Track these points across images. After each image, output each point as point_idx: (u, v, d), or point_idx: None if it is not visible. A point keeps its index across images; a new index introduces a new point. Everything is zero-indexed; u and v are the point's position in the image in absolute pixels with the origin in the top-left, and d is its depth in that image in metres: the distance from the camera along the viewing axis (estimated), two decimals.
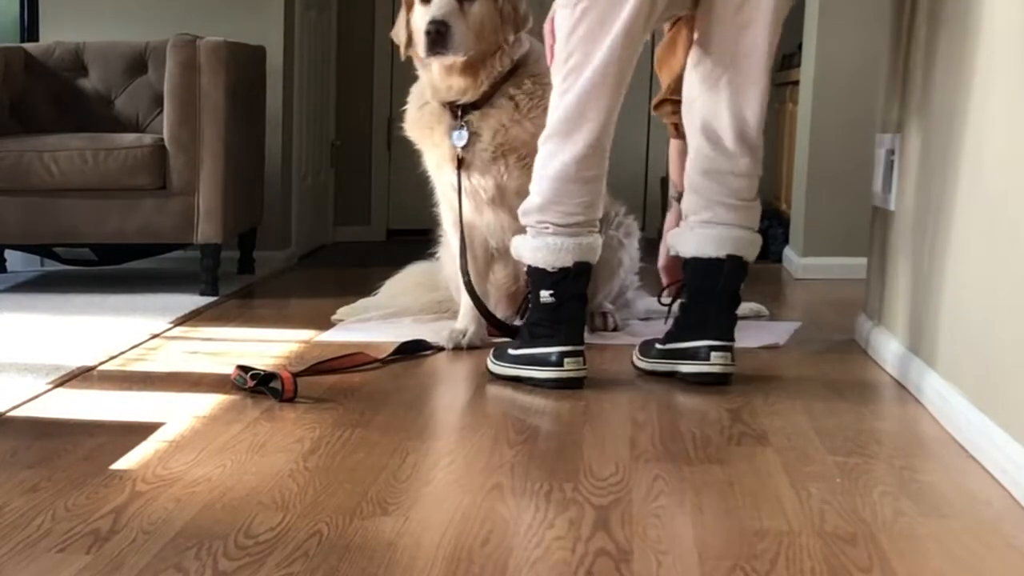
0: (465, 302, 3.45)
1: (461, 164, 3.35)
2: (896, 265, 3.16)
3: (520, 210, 2.97)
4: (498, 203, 3.38)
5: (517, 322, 3.52)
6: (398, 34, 3.41)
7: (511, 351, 2.98)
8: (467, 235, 3.42)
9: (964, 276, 2.52)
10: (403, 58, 3.44)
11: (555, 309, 2.91)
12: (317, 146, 5.88)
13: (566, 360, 2.89)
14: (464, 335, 3.38)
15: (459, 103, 3.33)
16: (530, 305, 2.99)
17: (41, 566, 1.71)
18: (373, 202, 6.50)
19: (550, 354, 2.89)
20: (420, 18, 3.27)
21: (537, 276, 2.92)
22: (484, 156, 3.34)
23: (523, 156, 3.32)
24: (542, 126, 3.32)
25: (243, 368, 2.84)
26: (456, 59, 3.24)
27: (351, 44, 6.26)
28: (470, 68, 3.29)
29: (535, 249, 2.91)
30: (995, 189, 2.34)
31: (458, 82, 3.31)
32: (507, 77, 3.33)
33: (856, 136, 4.64)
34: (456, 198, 3.41)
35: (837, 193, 4.77)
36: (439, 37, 3.19)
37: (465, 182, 3.38)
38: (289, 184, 5.34)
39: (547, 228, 2.89)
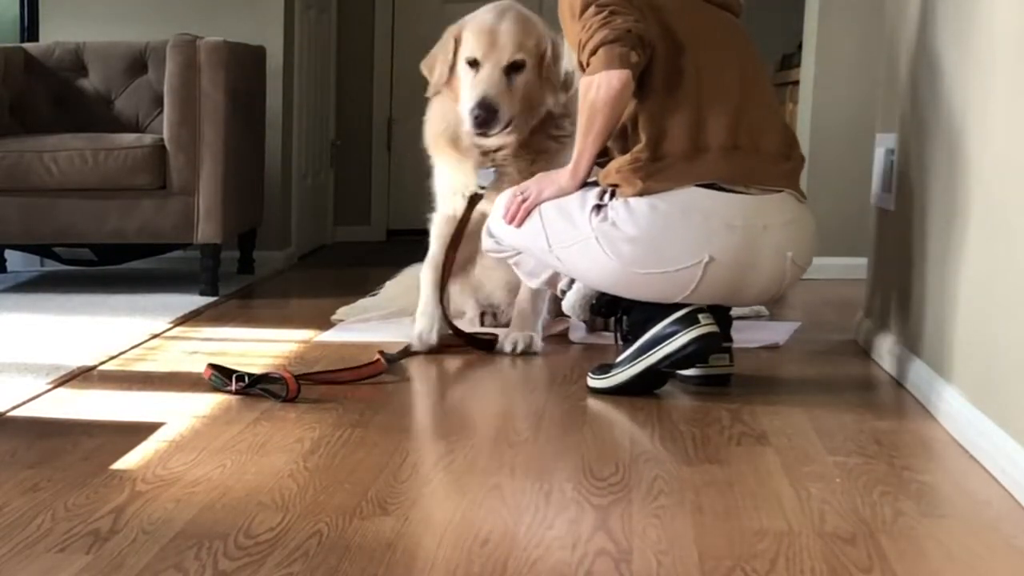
0: (426, 300, 3.41)
1: (474, 201, 3.32)
2: (896, 265, 3.16)
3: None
4: None
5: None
6: (432, 69, 3.34)
7: (623, 355, 2.80)
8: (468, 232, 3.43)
9: (963, 276, 2.52)
10: (430, 94, 3.38)
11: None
12: (317, 146, 5.87)
13: (700, 316, 2.69)
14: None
15: (500, 154, 3.29)
16: (623, 316, 2.88)
17: (41, 566, 1.71)
18: (373, 202, 6.50)
19: (679, 318, 2.70)
20: (466, 87, 3.22)
21: (606, 294, 2.88)
22: (506, 182, 3.28)
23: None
24: (560, 164, 3.29)
25: (218, 368, 2.83)
26: (498, 139, 3.21)
27: (351, 44, 6.26)
28: (510, 132, 3.26)
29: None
30: (994, 189, 2.34)
31: (495, 142, 3.27)
32: (539, 126, 3.30)
33: (856, 136, 4.64)
34: (455, 223, 3.39)
35: (837, 193, 4.77)
36: (486, 120, 3.14)
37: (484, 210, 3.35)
38: (289, 184, 5.34)
39: None
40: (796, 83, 5.38)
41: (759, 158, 2.76)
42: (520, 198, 2.92)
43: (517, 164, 3.30)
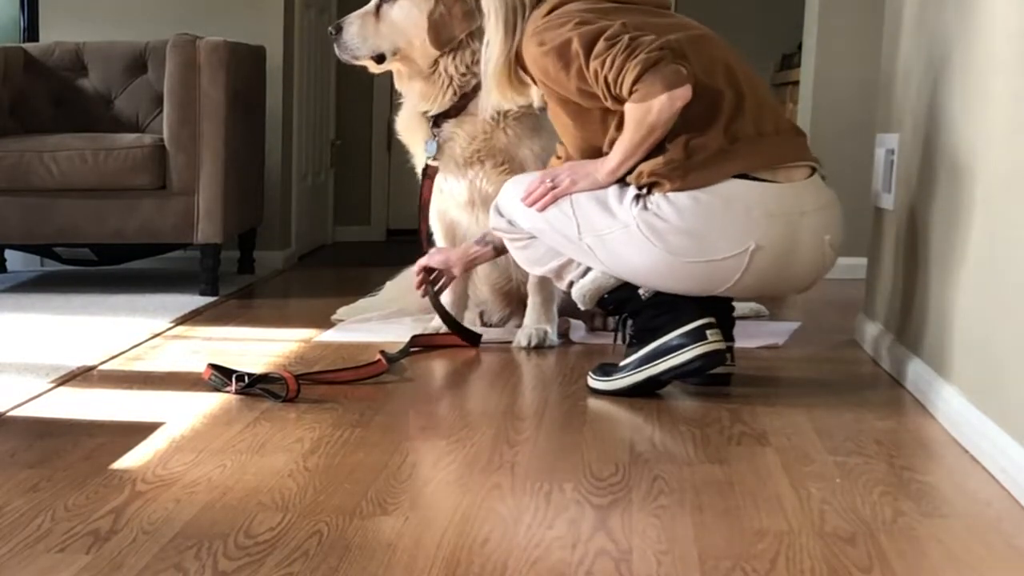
0: (444, 300, 3.49)
1: (426, 172, 3.41)
2: (896, 265, 3.17)
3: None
4: (478, 205, 3.39)
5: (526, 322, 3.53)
6: None
7: (627, 360, 2.79)
8: (452, 232, 3.52)
9: (964, 276, 2.52)
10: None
11: (660, 295, 2.77)
12: (317, 146, 5.87)
13: (708, 332, 2.70)
14: (437, 333, 3.40)
15: (431, 113, 3.38)
16: (629, 319, 2.84)
17: (41, 566, 1.71)
18: (373, 202, 6.50)
19: (688, 332, 2.70)
20: None
21: (620, 291, 2.85)
22: (458, 161, 3.36)
23: (501, 162, 3.33)
24: (519, 133, 3.34)
25: (218, 368, 2.83)
26: (363, 62, 3.40)
27: None
28: (417, 74, 3.35)
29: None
30: (995, 189, 2.34)
31: (417, 87, 3.37)
32: (480, 85, 3.35)
33: (856, 136, 4.64)
34: (439, 198, 3.48)
35: (837, 193, 4.75)
36: (336, 40, 3.37)
37: (444, 184, 3.44)
38: (289, 184, 5.34)
39: None
40: (796, 83, 5.38)
41: (780, 138, 2.79)
42: (549, 184, 2.85)
43: (462, 128, 3.37)
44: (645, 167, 2.72)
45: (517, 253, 3.02)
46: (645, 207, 2.70)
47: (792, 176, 2.75)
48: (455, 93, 3.35)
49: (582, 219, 2.79)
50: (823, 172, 2.84)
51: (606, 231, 2.76)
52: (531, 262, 3.00)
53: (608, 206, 2.76)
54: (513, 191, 2.95)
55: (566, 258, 2.88)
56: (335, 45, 3.39)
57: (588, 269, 2.85)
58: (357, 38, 3.34)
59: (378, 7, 3.34)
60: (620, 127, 2.74)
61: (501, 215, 2.98)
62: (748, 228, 2.68)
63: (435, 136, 3.37)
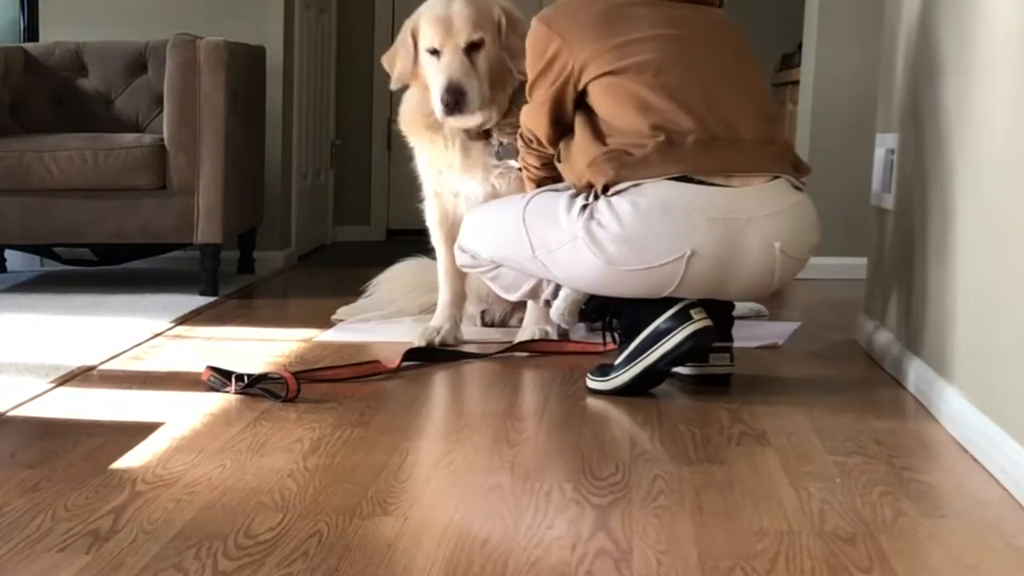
0: (442, 300, 3.48)
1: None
2: (896, 265, 3.17)
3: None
4: None
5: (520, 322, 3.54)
6: (393, 64, 3.40)
7: (620, 357, 2.80)
8: (453, 232, 3.46)
9: (964, 276, 2.52)
10: (393, 87, 3.46)
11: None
12: (317, 146, 5.88)
13: (692, 311, 2.68)
14: (438, 332, 3.40)
15: (488, 126, 3.35)
16: (614, 319, 2.88)
17: (41, 566, 1.71)
18: (373, 202, 6.50)
19: (673, 315, 2.69)
20: (432, 75, 3.28)
21: (595, 300, 2.88)
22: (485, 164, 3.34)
23: None
24: None
25: (217, 370, 2.83)
26: (474, 118, 3.28)
27: (351, 44, 6.26)
28: (486, 109, 3.32)
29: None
30: (994, 189, 2.34)
31: (470, 122, 3.32)
32: (516, 92, 3.35)
33: (856, 136, 4.64)
34: (448, 200, 3.46)
35: (837, 193, 4.76)
36: (456, 104, 3.21)
37: (461, 187, 3.41)
38: (289, 184, 5.34)
39: None
40: (796, 83, 5.38)
41: (739, 147, 2.74)
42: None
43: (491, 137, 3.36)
44: (581, 162, 2.77)
45: (491, 284, 3.14)
46: (590, 217, 2.72)
47: (751, 182, 2.72)
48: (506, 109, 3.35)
49: (535, 237, 2.84)
50: (795, 182, 2.78)
51: (556, 246, 2.80)
52: (505, 289, 3.10)
53: (557, 219, 2.80)
54: (470, 226, 3.06)
55: (536, 280, 2.97)
56: (451, 110, 3.22)
57: (559, 287, 2.90)
58: (479, 98, 3.24)
59: (470, 60, 3.25)
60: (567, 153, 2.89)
61: (464, 251, 3.08)
62: (687, 233, 2.66)
63: (499, 145, 3.33)
